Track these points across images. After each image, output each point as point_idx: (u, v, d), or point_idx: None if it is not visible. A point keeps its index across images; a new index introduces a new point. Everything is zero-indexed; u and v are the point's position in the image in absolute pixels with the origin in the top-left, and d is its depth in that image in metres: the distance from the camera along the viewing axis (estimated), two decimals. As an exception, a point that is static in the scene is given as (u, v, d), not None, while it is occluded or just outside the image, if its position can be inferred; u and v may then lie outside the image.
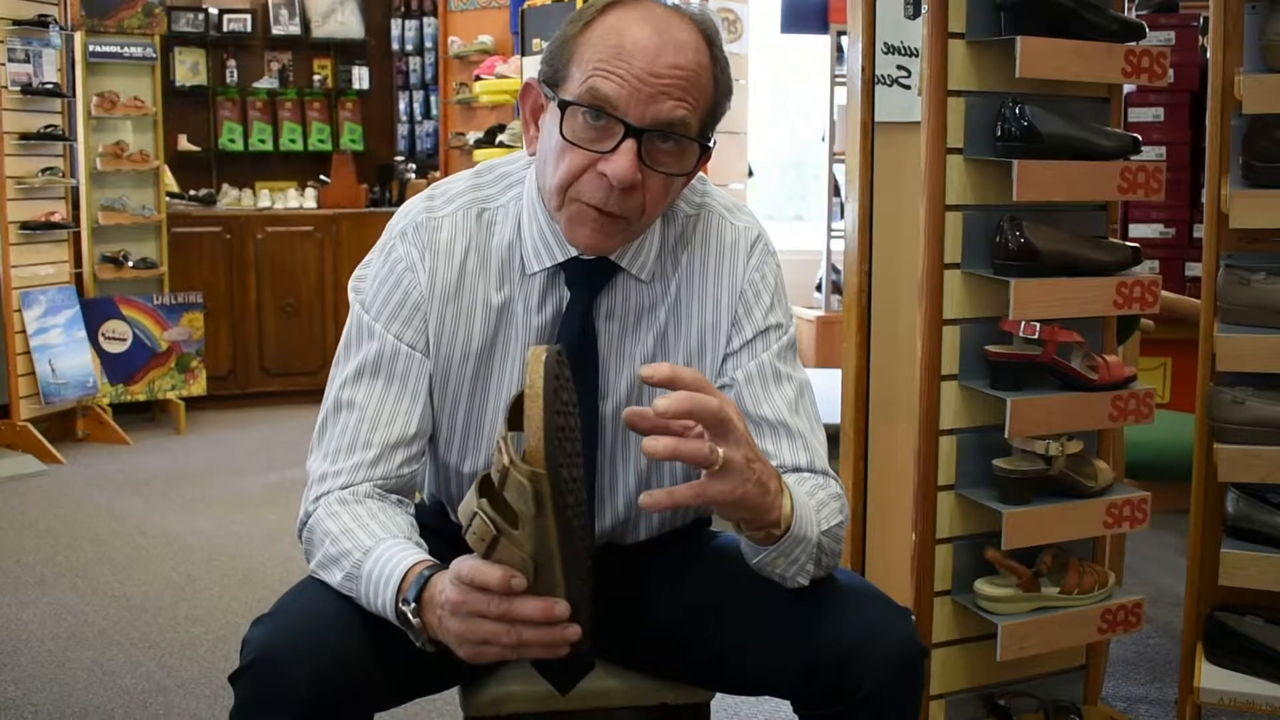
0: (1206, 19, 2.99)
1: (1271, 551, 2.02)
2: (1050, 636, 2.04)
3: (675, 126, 1.32)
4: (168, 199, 5.75)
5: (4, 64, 4.92)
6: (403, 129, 6.80)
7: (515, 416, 1.14)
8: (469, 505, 1.13)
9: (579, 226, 1.36)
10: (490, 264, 1.44)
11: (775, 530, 1.27)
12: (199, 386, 5.65)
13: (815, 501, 1.35)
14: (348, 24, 6.64)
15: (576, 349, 1.41)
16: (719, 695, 1.60)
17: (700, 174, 1.50)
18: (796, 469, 1.42)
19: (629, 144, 1.30)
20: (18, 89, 4.96)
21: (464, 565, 1.14)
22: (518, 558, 1.12)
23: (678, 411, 1.15)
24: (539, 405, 1.09)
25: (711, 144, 1.39)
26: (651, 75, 1.29)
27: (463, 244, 1.44)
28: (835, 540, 1.36)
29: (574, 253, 1.41)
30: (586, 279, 1.43)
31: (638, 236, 1.42)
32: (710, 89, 1.36)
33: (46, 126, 5.09)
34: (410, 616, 1.22)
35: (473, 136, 5.91)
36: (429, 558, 1.28)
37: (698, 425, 1.18)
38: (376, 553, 1.28)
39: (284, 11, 6.51)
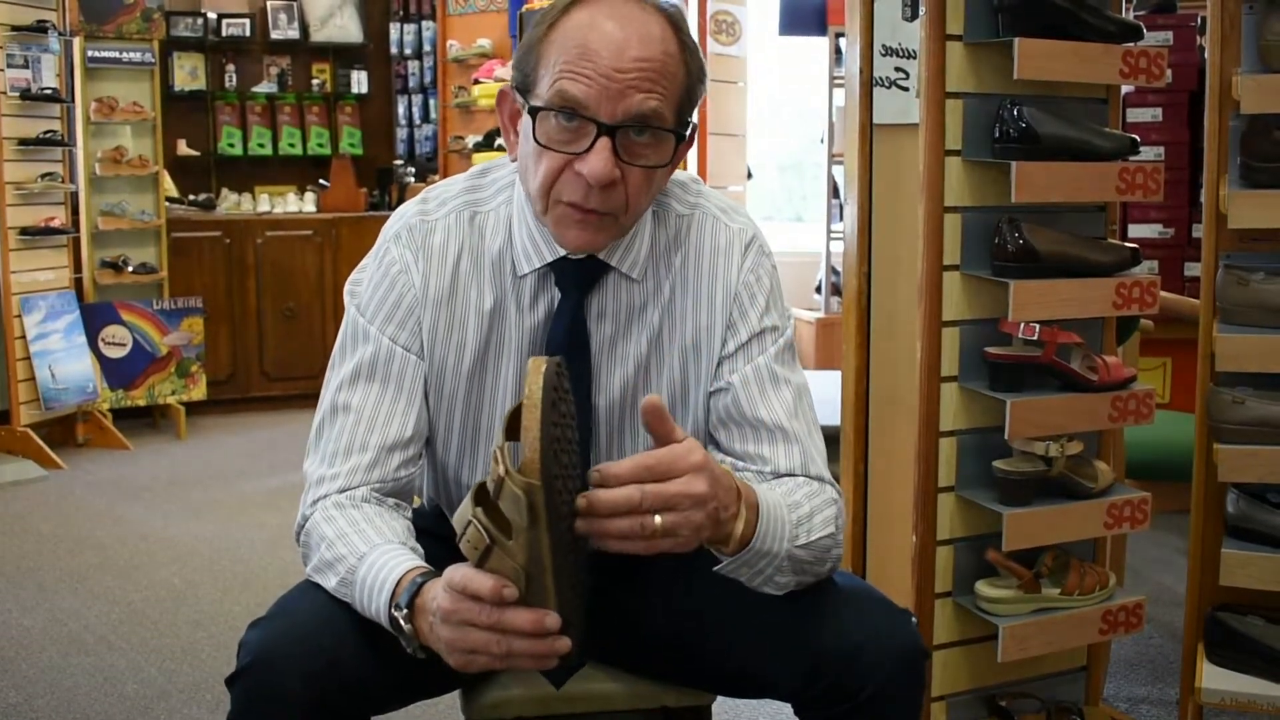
0: (1204, 19, 2.99)
1: (1272, 551, 2.03)
2: (1051, 637, 2.04)
3: (648, 119, 1.32)
4: (167, 204, 5.75)
5: (3, 69, 4.92)
6: (402, 133, 6.81)
7: (513, 427, 1.14)
8: (464, 513, 1.13)
9: (565, 228, 1.36)
10: (483, 267, 1.44)
11: (725, 548, 1.27)
12: (199, 391, 5.65)
13: (798, 515, 1.33)
14: (346, 28, 6.64)
15: (567, 348, 1.41)
16: (719, 698, 1.60)
17: (695, 176, 1.49)
18: (790, 474, 1.42)
19: (603, 142, 1.30)
20: (17, 94, 4.96)
21: (456, 573, 1.14)
22: (510, 568, 1.11)
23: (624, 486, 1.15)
24: (536, 417, 1.09)
25: (688, 132, 1.38)
26: (618, 71, 1.29)
27: (455, 247, 1.44)
28: (821, 551, 1.34)
29: (563, 252, 1.41)
30: (576, 278, 1.43)
31: (626, 232, 1.41)
32: (681, 76, 1.35)
33: (46, 132, 5.09)
34: (402, 623, 1.22)
35: (472, 140, 5.92)
36: (423, 564, 1.27)
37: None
38: (371, 559, 1.28)
39: (283, 16, 6.52)
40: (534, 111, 1.33)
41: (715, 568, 1.31)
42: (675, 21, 1.35)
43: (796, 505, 1.34)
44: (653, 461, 1.16)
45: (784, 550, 1.30)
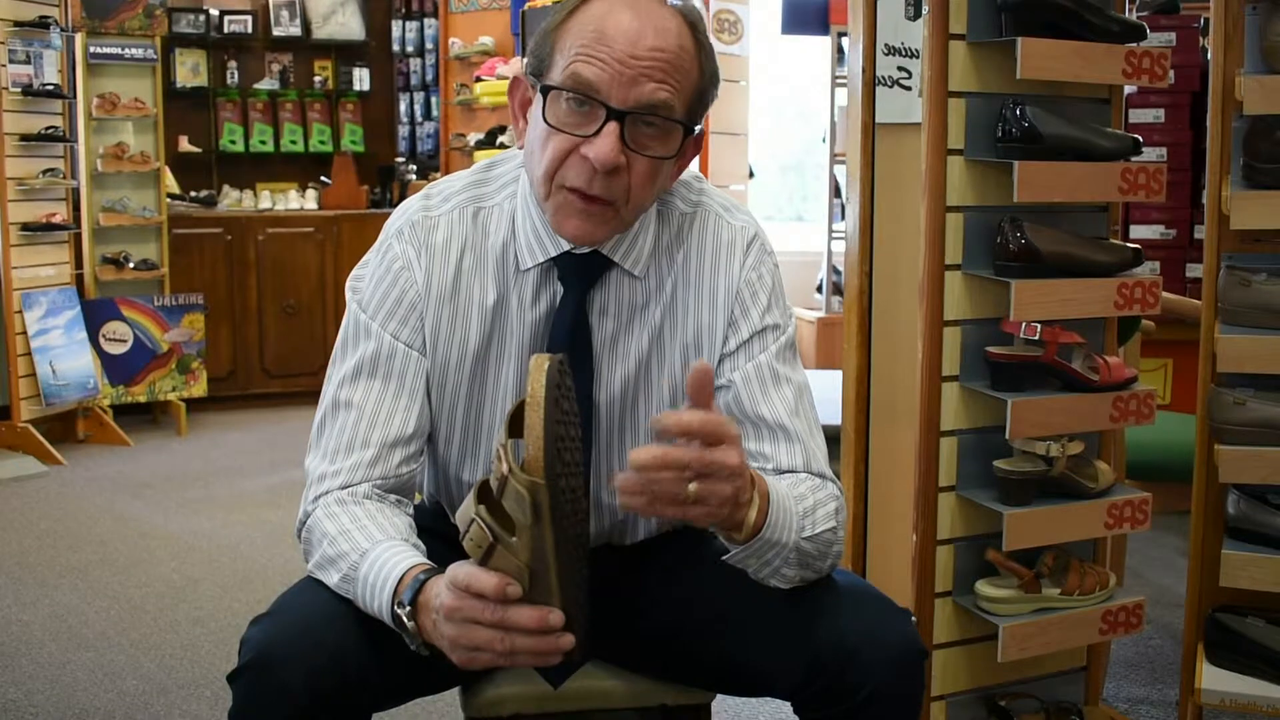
0: (1207, 20, 2.99)
1: (1272, 552, 2.02)
2: (1051, 637, 2.04)
3: (658, 109, 1.32)
4: (168, 200, 5.75)
5: (5, 65, 4.92)
6: (403, 130, 6.81)
7: (515, 424, 1.14)
8: (467, 511, 1.13)
9: (565, 217, 1.37)
10: (485, 263, 1.44)
11: (737, 535, 1.27)
12: (200, 388, 5.66)
13: (803, 507, 1.34)
14: (348, 25, 6.64)
15: (569, 344, 1.41)
16: (719, 696, 1.60)
17: (697, 173, 1.49)
18: (792, 470, 1.42)
19: (611, 126, 1.31)
20: (18, 90, 4.96)
21: (460, 571, 1.14)
22: (514, 565, 1.11)
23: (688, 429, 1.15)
24: (539, 414, 1.09)
25: (697, 128, 1.39)
26: (632, 58, 1.30)
27: (459, 244, 1.44)
28: (824, 545, 1.35)
29: (566, 247, 1.41)
30: (579, 274, 1.43)
31: (627, 225, 1.41)
32: (694, 72, 1.36)
33: (47, 128, 5.09)
34: (405, 619, 1.22)
35: (473, 138, 5.92)
36: (425, 561, 1.28)
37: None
38: (373, 555, 1.28)
39: (285, 13, 6.52)
40: (546, 91, 1.33)
41: (724, 557, 1.31)
42: (693, 22, 1.36)
43: (801, 498, 1.35)
44: (706, 419, 1.15)
45: (792, 541, 1.30)
